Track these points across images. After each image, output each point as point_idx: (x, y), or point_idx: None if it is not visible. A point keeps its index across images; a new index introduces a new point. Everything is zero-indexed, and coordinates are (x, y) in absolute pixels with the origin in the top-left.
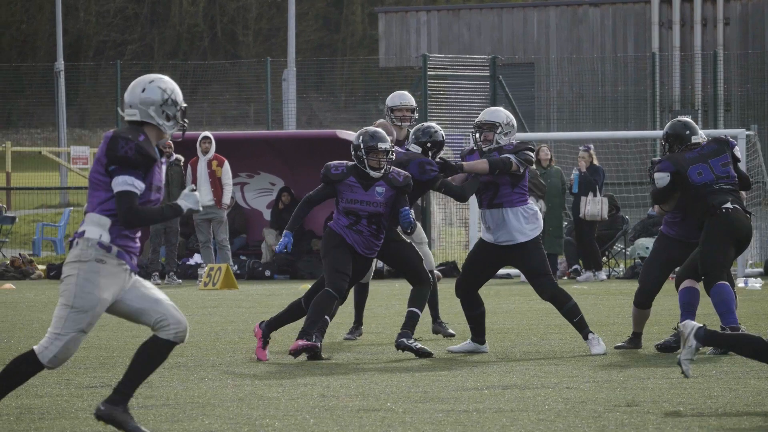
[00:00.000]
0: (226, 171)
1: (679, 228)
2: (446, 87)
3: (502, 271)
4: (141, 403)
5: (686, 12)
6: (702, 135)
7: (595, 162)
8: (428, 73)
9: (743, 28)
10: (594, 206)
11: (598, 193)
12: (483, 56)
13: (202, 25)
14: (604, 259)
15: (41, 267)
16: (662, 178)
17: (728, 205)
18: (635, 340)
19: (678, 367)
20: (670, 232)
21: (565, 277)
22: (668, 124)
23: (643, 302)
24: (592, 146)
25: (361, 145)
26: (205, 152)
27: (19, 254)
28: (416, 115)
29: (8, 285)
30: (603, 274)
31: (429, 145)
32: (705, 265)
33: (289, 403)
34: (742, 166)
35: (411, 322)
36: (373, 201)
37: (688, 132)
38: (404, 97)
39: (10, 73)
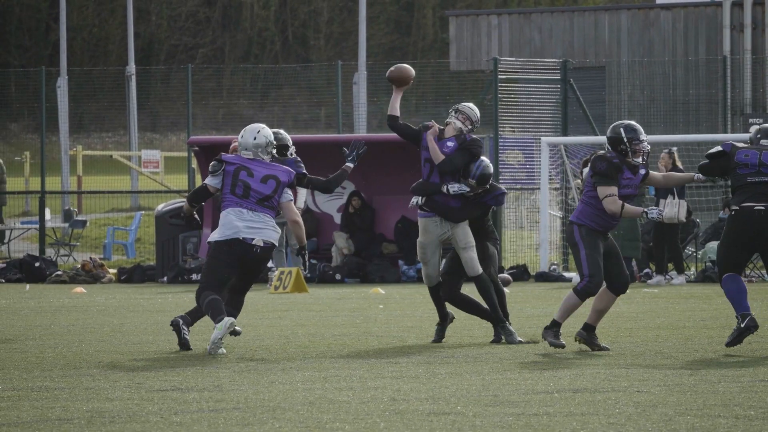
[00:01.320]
0: None
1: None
2: (517, 90)
3: (567, 275)
4: (211, 406)
5: (758, 15)
6: None
7: (678, 165)
8: (499, 76)
9: None
10: (671, 209)
11: (676, 196)
12: (554, 60)
13: (274, 28)
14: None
15: (112, 271)
16: (714, 148)
17: (736, 207)
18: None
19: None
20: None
21: (636, 281)
22: (754, 128)
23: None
24: (675, 149)
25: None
26: None
27: (90, 258)
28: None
29: (79, 289)
30: (684, 278)
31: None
32: (717, 263)
33: (359, 407)
34: None
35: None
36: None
37: (759, 135)
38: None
39: (82, 76)
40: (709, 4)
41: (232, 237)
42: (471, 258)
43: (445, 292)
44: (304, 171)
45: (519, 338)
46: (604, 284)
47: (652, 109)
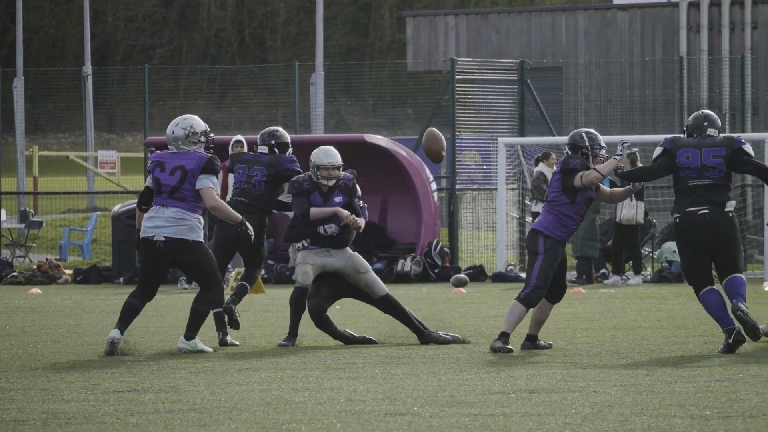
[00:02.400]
0: None
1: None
2: (474, 91)
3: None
4: (167, 407)
5: (714, 16)
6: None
7: (639, 164)
8: (456, 77)
9: None
10: (629, 210)
11: (633, 198)
12: (511, 60)
13: (231, 29)
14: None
15: (68, 272)
16: (656, 151)
17: (679, 214)
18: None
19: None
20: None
21: (593, 282)
22: (692, 115)
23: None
24: (636, 150)
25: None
26: None
27: (46, 259)
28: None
29: (35, 290)
30: (640, 279)
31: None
32: (687, 279)
33: (315, 408)
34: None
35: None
36: None
37: (706, 123)
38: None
39: (38, 77)
40: (666, 5)
41: (141, 237)
42: (374, 279)
43: (314, 315)
44: (298, 169)
45: (445, 335)
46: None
47: (608, 109)
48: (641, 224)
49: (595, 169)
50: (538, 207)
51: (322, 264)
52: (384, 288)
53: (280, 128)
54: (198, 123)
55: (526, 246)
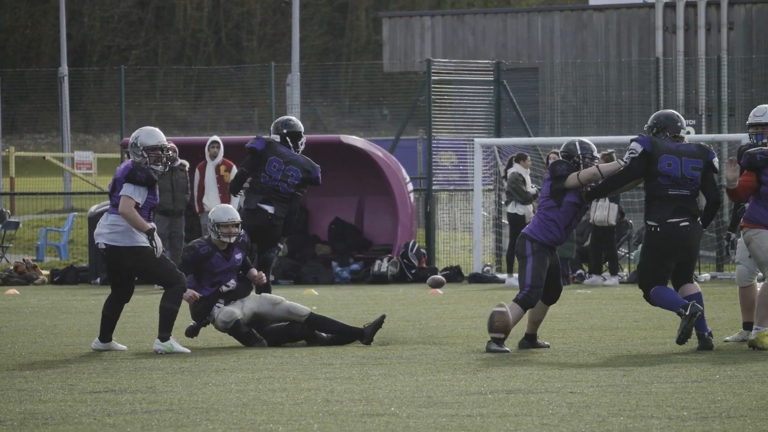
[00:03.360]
0: None
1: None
2: (450, 92)
3: (501, 276)
4: (145, 408)
5: (690, 17)
6: (688, 132)
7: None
8: (432, 77)
9: (747, 32)
10: (602, 212)
11: (607, 199)
12: (487, 61)
13: (207, 30)
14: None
15: (45, 272)
16: (633, 151)
17: (656, 223)
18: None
19: (682, 370)
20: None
21: (569, 282)
22: (662, 113)
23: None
24: (613, 151)
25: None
26: (214, 157)
27: (23, 260)
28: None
29: (12, 290)
30: (617, 279)
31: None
32: (641, 277)
33: (293, 408)
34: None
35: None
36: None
37: (679, 124)
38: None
39: (14, 78)
40: (642, 6)
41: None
42: (292, 305)
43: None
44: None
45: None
46: None
47: (585, 110)
48: (615, 225)
49: (597, 166)
50: (517, 208)
51: (242, 310)
52: (305, 308)
53: (293, 117)
54: (145, 137)
55: (516, 251)
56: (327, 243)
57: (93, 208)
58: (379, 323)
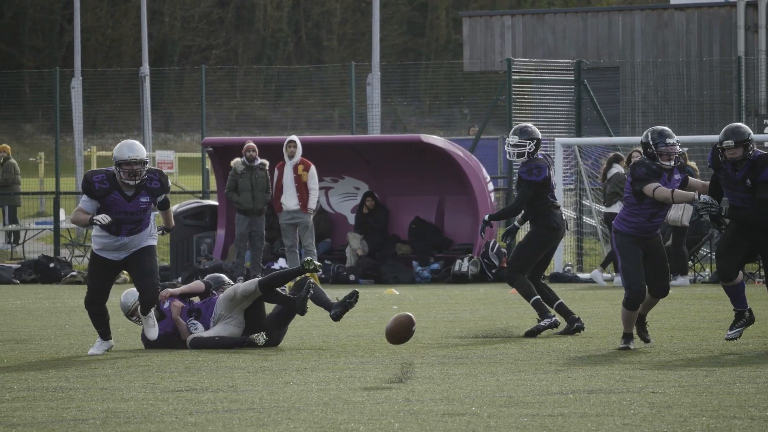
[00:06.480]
0: (312, 175)
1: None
2: (531, 91)
3: (585, 276)
4: (226, 407)
5: None
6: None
7: (691, 164)
8: (513, 77)
9: None
10: (676, 211)
11: None
12: (567, 60)
13: (287, 29)
14: (690, 263)
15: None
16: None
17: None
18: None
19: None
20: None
21: None
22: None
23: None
24: (686, 149)
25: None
26: (291, 156)
27: None
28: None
29: None
30: (687, 280)
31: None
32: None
33: (373, 408)
34: None
35: None
36: None
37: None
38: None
39: (96, 78)
40: (723, 5)
41: None
42: (243, 291)
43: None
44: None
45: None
46: None
47: (666, 109)
48: (686, 227)
49: (673, 190)
50: (615, 208)
51: (228, 329)
52: (251, 283)
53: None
54: (116, 150)
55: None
56: (407, 242)
57: (175, 207)
58: (348, 303)
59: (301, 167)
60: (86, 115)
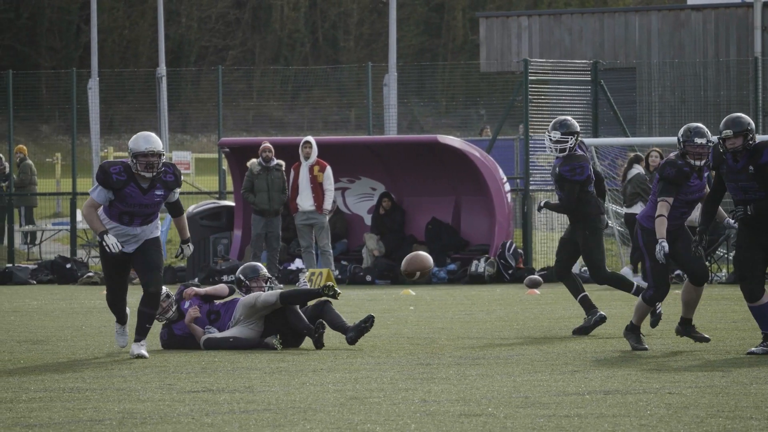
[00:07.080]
0: (328, 176)
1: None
2: (547, 92)
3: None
4: (243, 407)
5: None
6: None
7: None
8: (529, 77)
9: None
10: (694, 213)
11: None
12: (584, 61)
13: (304, 30)
14: (707, 263)
15: None
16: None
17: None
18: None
19: None
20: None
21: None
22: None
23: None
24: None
25: None
26: (307, 157)
27: None
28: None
29: None
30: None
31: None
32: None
33: (390, 408)
34: None
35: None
36: None
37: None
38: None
39: (112, 78)
40: (740, 5)
41: None
42: (264, 301)
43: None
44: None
45: None
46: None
47: (683, 110)
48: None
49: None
50: (636, 208)
51: (244, 332)
52: (272, 294)
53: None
54: (133, 142)
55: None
56: (424, 243)
57: (191, 208)
58: (363, 327)
59: (316, 168)
60: (103, 115)
